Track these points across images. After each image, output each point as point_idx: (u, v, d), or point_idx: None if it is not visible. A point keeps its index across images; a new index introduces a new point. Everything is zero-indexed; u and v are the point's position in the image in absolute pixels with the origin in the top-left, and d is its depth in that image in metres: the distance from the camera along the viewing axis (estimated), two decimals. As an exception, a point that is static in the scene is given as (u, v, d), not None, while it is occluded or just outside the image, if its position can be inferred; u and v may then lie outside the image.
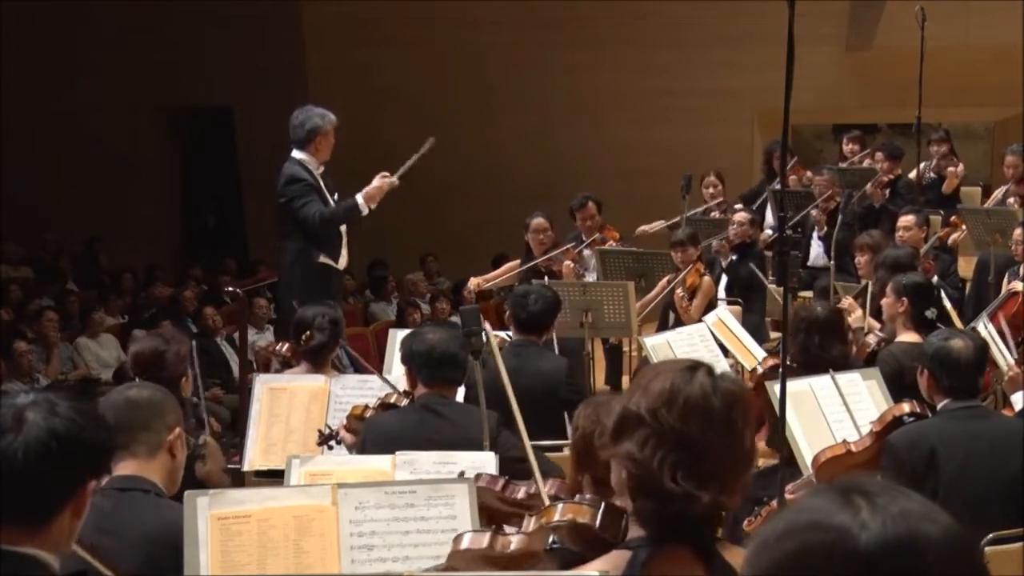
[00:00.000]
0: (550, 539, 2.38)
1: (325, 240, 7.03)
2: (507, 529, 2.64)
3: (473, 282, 8.49)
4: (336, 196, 7.16)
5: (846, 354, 5.49)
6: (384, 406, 4.63)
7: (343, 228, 7.16)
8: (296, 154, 7.04)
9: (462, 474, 3.54)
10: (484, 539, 2.56)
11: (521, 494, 2.96)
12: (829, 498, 1.38)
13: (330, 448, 4.64)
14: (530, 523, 2.51)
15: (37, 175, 13.72)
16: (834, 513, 1.35)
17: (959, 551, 1.36)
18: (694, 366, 2.15)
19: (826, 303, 5.87)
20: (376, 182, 7.03)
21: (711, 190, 10.21)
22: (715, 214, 9.85)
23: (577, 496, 2.44)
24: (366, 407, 4.65)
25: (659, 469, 2.04)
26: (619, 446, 2.11)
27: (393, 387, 4.87)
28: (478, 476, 3.24)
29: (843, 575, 1.33)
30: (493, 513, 3.11)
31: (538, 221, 8.29)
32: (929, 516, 1.37)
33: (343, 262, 7.24)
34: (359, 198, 7.01)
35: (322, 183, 7.08)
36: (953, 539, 1.36)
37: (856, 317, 6.69)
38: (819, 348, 5.33)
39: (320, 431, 4.67)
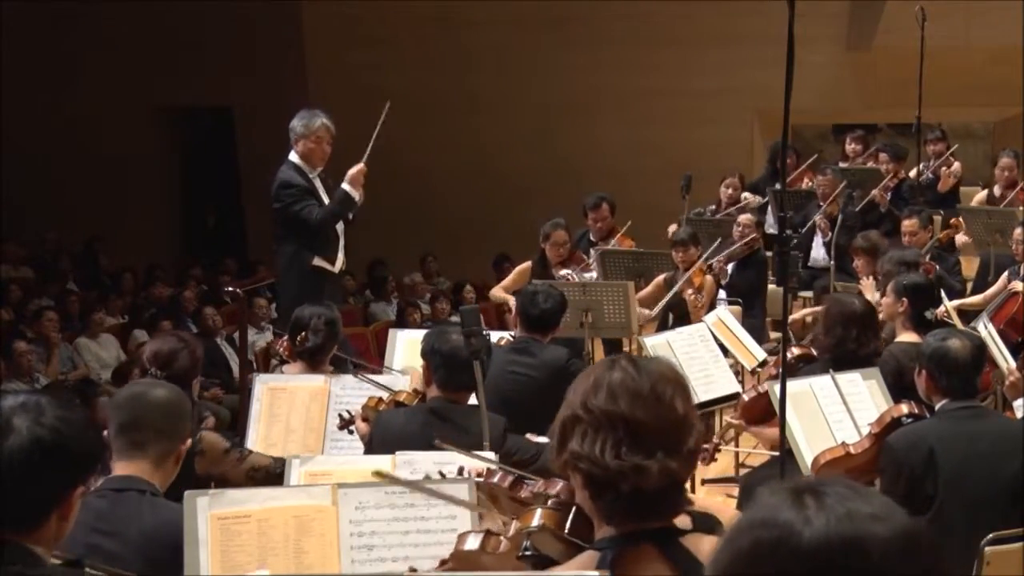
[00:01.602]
0: (524, 544, 2.40)
1: (323, 242, 7.02)
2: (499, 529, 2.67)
3: (500, 296, 8.35)
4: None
5: (879, 351, 5.38)
6: (396, 403, 4.66)
7: (340, 230, 7.14)
8: (291, 156, 7.04)
9: (461, 470, 3.53)
10: (478, 540, 2.58)
11: (525, 493, 2.96)
12: (781, 497, 1.42)
13: (350, 432, 4.67)
14: (511, 528, 2.54)
15: (37, 175, 13.72)
16: (783, 510, 1.40)
17: (910, 553, 1.38)
18: (615, 359, 2.21)
19: (859, 296, 5.77)
20: (352, 170, 6.98)
21: (731, 191, 10.19)
22: (721, 216, 9.84)
23: (551, 501, 2.46)
24: (380, 400, 4.69)
25: (602, 453, 2.08)
26: (564, 452, 2.14)
27: (389, 388, 4.87)
28: (490, 472, 3.24)
29: (789, 571, 1.37)
30: (502, 509, 3.10)
31: (559, 234, 8.18)
32: (881, 517, 1.39)
33: (340, 264, 7.22)
34: (346, 186, 6.97)
35: (319, 185, 7.05)
36: (905, 540, 1.38)
37: None
38: (856, 342, 5.25)
39: (341, 415, 4.70)
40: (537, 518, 2.39)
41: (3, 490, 2.15)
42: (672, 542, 2.13)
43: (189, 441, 3.33)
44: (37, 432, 2.18)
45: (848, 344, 5.26)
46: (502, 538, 2.53)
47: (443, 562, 2.81)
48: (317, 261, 6.99)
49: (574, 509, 2.31)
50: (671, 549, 2.12)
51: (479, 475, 3.18)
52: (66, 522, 2.26)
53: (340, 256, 7.17)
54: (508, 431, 4.48)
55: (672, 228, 9.60)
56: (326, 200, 7.04)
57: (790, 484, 1.45)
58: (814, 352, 5.73)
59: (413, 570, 2.61)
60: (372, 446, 4.37)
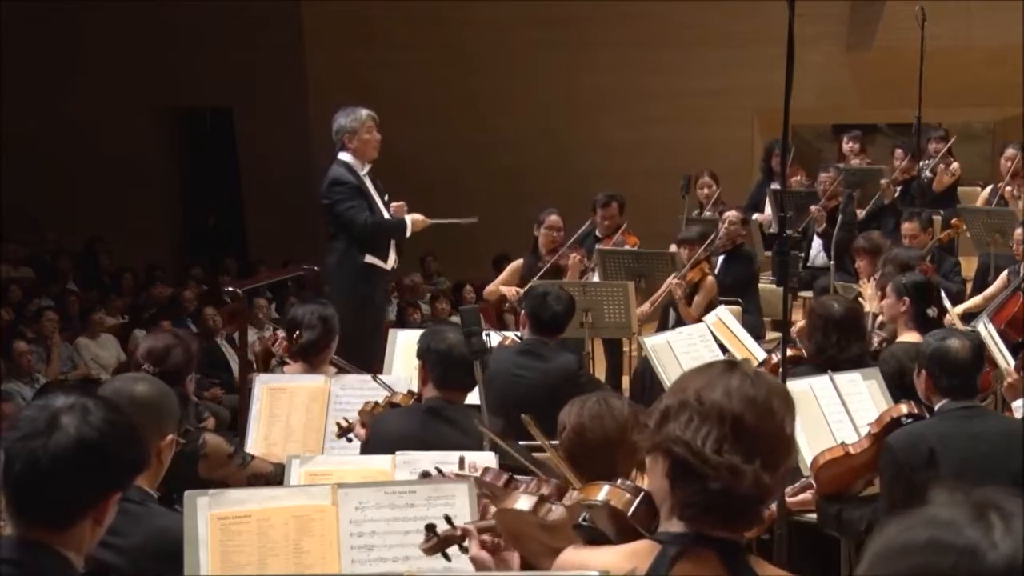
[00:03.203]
0: (582, 515, 2.39)
1: (374, 242, 7.07)
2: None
3: (495, 291, 8.31)
4: (387, 197, 7.17)
5: (865, 351, 5.31)
6: (392, 405, 4.63)
7: None
8: (340, 155, 7.08)
9: (462, 461, 3.54)
10: (530, 503, 2.56)
11: (520, 490, 2.97)
12: (961, 512, 1.32)
13: (348, 440, 4.65)
14: (572, 496, 2.52)
15: (37, 175, 13.72)
16: (964, 528, 1.30)
17: None
18: (733, 363, 2.20)
19: (843, 298, 5.71)
20: (419, 217, 7.20)
21: (706, 190, 10.25)
22: (713, 213, 9.85)
23: (619, 480, 2.45)
24: (376, 404, 4.66)
25: (703, 443, 2.05)
26: (662, 432, 2.12)
27: (390, 388, 4.85)
28: (486, 470, 3.24)
29: None
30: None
31: (553, 218, 8.19)
32: None
33: (392, 262, 7.26)
34: (408, 220, 7.08)
35: (369, 184, 7.10)
36: None
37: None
38: (836, 347, 5.18)
39: (339, 423, 4.68)
40: (603, 493, 2.38)
41: (43, 486, 2.18)
42: (738, 558, 2.09)
43: (170, 437, 3.22)
44: (84, 431, 2.21)
45: (829, 350, 5.21)
46: (553, 507, 2.51)
47: (448, 523, 2.74)
48: (369, 259, 7.04)
49: (642, 494, 2.31)
50: (735, 564, 2.08)
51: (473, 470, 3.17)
52: (100, 527, 2.28)
53: (392, 254, 7.22)
54: (506, 435, 4.46)
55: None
56: (376, 198, 7.08)
57: (969, 498, 1.33)
58: (804, 355, 5.72)
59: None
60: (369, 449, 4.33)
